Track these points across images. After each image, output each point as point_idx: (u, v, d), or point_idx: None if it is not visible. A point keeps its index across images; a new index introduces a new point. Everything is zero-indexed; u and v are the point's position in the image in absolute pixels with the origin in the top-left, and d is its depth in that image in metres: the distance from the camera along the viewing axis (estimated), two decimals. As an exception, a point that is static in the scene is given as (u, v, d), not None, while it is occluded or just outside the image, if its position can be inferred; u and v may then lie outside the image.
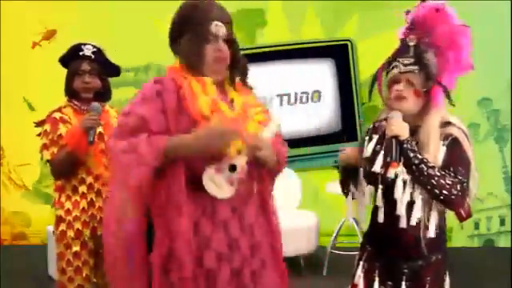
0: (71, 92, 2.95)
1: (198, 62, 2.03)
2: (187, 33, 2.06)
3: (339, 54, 5.77)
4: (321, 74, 5.83)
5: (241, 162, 1.96)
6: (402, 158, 2.09)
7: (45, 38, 5.92)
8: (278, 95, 5.82)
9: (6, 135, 5.85)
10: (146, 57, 5.66)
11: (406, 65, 2.13)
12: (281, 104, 5.82)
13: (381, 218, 2.17)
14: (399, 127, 2.10)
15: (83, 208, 2.86)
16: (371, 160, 2.17)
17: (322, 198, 5.34)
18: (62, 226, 2.86)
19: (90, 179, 2.87)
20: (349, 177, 2.32)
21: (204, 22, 2.03)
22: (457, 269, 4.63)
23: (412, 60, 2.14)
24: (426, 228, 2.19)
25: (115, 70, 3.12)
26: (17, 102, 5.87)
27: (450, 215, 5.11)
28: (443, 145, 2.13)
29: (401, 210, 2.12)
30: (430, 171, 2.07)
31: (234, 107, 2.05)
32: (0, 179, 6.01)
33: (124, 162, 1.91)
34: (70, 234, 2.85)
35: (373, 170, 2.14)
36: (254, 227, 2.06)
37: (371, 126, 2.33)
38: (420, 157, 2.08)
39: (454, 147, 2.14)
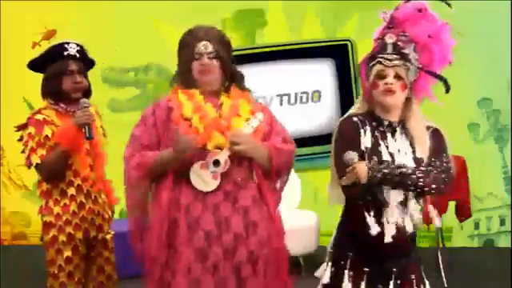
0: (58, 93, 2.89)
1: (187, 77, 2.35)
2: (181, 55, 2.40)
3: (339, 54, 5.77)
4: (321, 74, 5.83)
5: (223, 157, 2.18)
6: (383, 185, 2.15)
7: (45, 38, 5.91)
8: (277, 95, 5.82)
9: (6, 135, 5.83)
10: (146, 57, 5.66)
11: (391, 60, 2.19)
12: (281, 104, 5.82)
13: (375, 231, 2.18)
14: (356, 173, 2.11)
15: (74, 211, 2.82)
16: (374, 150, 2.20)
17: (322, 198, 5.33)
18: (53, 232, 2.85)
19: (77, 181, 2.83)
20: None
21: (191, 44, 2.34)
22: (457, 269, 4.66)
23: (395, 56, 2.20)
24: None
25: (92, 65, 3.08)
26: (17, 102, 5.86)
27: (450, 215, 5.12)
28: (427, 134, 2.24)
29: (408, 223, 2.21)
30: (413, 177, 2.13)
31: (221, 109, 2.30)
32: (0, 179, 6.01)
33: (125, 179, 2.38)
34: (62, 238, 2.81)
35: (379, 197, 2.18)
36: (250, 209, 2.22)
37: (355, 118, 2.27)
38: (396, 173, 2.12)
39: (437, 136, 2.26)
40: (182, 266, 2.14)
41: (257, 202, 2.25)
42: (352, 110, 2.33)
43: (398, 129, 2.24)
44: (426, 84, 2.27)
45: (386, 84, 2.18)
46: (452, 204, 4.50)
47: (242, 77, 2.43)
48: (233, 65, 2.41)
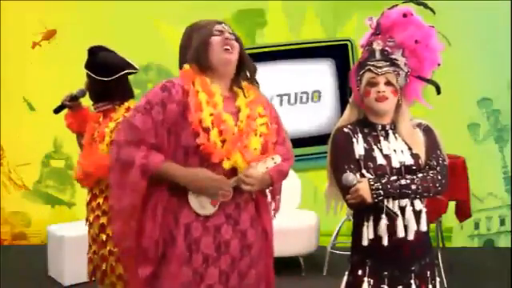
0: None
1: (205, 54, 2.10)
2: (194, 36, 2.15)
3: (339, 54, 5.77)
4: (321, 74, 5.84)
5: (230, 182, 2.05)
6: (391, 202, 2.17)
7: (45, 38, 5.92)
8: (278, 95, 5.82)
9: (6, 135, 5.84)
10: (146, 57, 5.66)
11: (381, 67, 2.22)
12: (281, 104, 5.82)
13: (386, 242, 2.18)
14: (364, 193, 2.12)
15: (104, 210, 2.86)
16: (368, 156, 2.22)
17: (322, 198, 5.32)
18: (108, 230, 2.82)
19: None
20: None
21: (209, 24, 2.16)
22: (457, 269, 4.66)
23: (384, 62, 2.23)
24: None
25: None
26: (17, 102, 5.86)
27: (450, 215, 5.11)
28: (420, 130, 2.28)
29: (412, 225, 2.20)
30: (413, 187, 2.16)
31: (238, 118, 2.11)
32: (0, 179, 6.01)
33: (121, 180, 2.06)
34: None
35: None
36: (247, 231, 2.14)
37: (345, 129, 2.29)
38: (396, 185, 2.14)
39: (430, 133, 2.28)
40: (178, 284, 2.04)
41: (254, 222, 2.18)
42: (342, 120, 2.36)
43: (390, 131, 2.27)
44: (416, 88, 2.29)
45: (379, 92, 2.22)
46: (452, 204, 4.50)
47: (255, 69, 2.26)
48: (247, 54, 2.23)
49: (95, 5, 5.76)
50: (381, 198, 2.13)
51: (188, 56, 2.14)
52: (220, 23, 2.17)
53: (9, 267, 5.01)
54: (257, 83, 2.25)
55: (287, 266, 4.61)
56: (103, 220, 2.85)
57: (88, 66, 2.95)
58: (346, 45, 5.74)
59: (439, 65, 2.31)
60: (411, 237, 2.18)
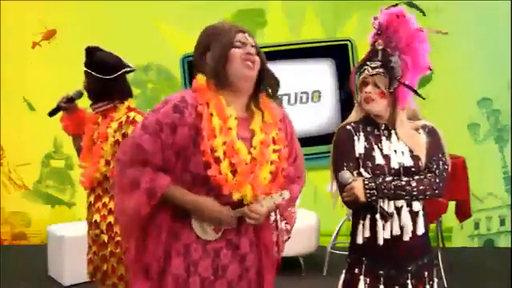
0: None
1: (224, 68, 1.97)
2: (214, 44, 2.00)
3: (339, 54, 5.77)
4: (321, 74, 5.83)
5: (234, 214, 2.00)
6: (385, 202, 2.17)
7: (45, 38, 5.92)
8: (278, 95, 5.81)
9: (6, 135, 5.84)
10: (146, 57, 5.67)
11: (373, 68, 2.25)
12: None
13: (387, 234, 2.19)
14: (354, 193, 2.14)
15: (110, 209, 2.83)
16: (368, 156, 2.23)
17: (322, 198, 5.34)
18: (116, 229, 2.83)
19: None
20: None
21: (230, 32, 2.01)
22: (457, 269, 4.66)
23: (379, 63, 2.24)
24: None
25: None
26: (17, 102, 5.86)
27: (450, 215, 5.11)
28: (423, 133, 2.27)
29: (408, 226, 2.20)
30: (408, 188, 2.17)
31: (252, 144, 2.01)
32: (0, 179, 6.01)
33: (124, 199, 2.00)
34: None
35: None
36: (247, 256, 2.09)
37: (348, 127, 2.32)
38: (392, 186, 2.16)
39: (433, 135, 2.28)
40: None
41: (253, 246, 2.11)
42: (349, 117, 2.39)
43: (392, 131, 2.28)
44: (406, 92, 2.27)
45: (366, 92, 2.26)
46: (452, 204, 4.50)
47: (276, 83, 2.13)
48: (269, 68, 2.10)
49: (95, 5, 5.76)
50: (374, 197, 2.14)
51: (205, 67, 2.01)
52: (243, 32, 2.04)
53: (9, 267, 5.01)
54: (278, 98, 2.15)
55: (287, 266, 4.60)
56: (110, 219, 2.83)
57: (87, 64, 2.93)
58: (346, 45, 5.74)
59: (430, 69, 2.29)
60: (407, 238, 2.18)
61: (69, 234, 4.57)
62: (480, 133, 5.68)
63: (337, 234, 4.82)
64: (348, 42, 5.72)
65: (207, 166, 1.92)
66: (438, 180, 2.21)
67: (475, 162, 5.00)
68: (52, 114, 3.07)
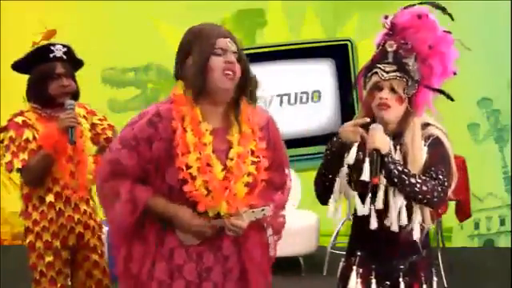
0: (44, 98, 2.75)
1: (203, 78, 1.94)
2: (194, 49, 1.97)
3: (339, 54, 5.77)
4: (321, 74, 5.83)
5: (215, 224, 2.02)
6: (384, 171, 2.07)
7: (45, 38, 5.90)
8: (278, 95, 5.82)
9: (6, 135, 5.85)
10: (146, 57, 5.66)
11: (388, 72, 2.10)
12: (281, 104, 5.81)
13: (374, 225, 2.15)
14: (381, 141, 2.08)
15: (51, 218, 2.73)
16: (357, 168, 2.14)
17: (322, 197, 5.33)
18: (30, 237, 2.74)
19: (56, 188, 2.72)
20: (335, 167, 2.21)
21: (211, 37, 1.97)
22: (457, 269, 4.66)
23: (394, 67, 2.10)
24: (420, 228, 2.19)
25: (80, 65, 2.96)
26: (17, 102, 5.85)
27: (450, 215, 5.12)
28: (425, 145, 2.14)
29: (392, 215, 2.12)
30: (412, 180, 2.06)
31: (228, 156, 2.01)
32: (0, 179, 6.01)
33: (108, 211, 2.06)
34: (39, 245, 2.73)
35: (362, 178, 2.09)
36: (229, 257, 2.08)
37: None
38: (400, 168, 2.07)
39: (435, 147, 2.15)
40: None
41: (236, 247, 2.09)
42: (354, 118, 2.27)
43: (391, 142, 2.15)
44: (427, 97, 2.16)
45: (381, 98, 2.11)
46: (452, 204, 4.50)
47: (256, 85, 2.07)
48: (253, 74, 2.06)
49: (95, 5, 5.76)
50: (387, 159, 2.05)
51: (185, 73, 1.99)
52: (226, 37, 1.98)
53: (9, 267, 5.01)
54: (254, 101, 2.08)
55: (287, 266, 4.60)
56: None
57: (76, 61, 2.91)
58: (346, 45, 5.74)
59: (455, 74, 2.19)
60: (395, 227, 2.13)
61: (69, 234, 4.56)
62: (480, 133, 5.68)
63: (337, 234, 4.82)
64: (348, 42, 5.72)
65: (184, 182, 1.95)
66: (440, 189, 2.09)
67: (475, 162, 5.00)
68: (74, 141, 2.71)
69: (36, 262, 2.75)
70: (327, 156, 2.26)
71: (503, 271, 4.73)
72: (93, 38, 5.65)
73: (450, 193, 2.18)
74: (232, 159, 2.01)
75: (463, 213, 4.57)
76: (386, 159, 2.06)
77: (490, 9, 5.52)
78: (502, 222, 5.71)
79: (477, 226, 5.70)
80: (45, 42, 2.89)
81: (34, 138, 2.71)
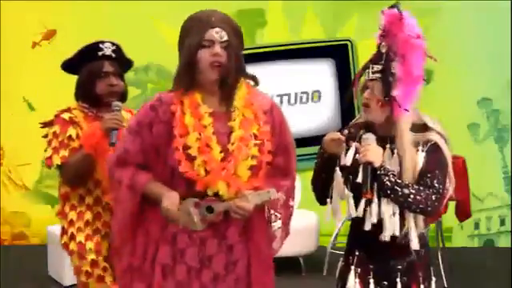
0: (92, 97, 2.66)
1: (191, 71, 1.99)
2: (185, 40, 2.03)
3: (339, 54, 5.77)
4: (321, 74, 5.83)
5: (219, 208, 2.01)
6: (376, 183, 2.08)
7: (45, 38, 5.92)
8: (278, 95, 5.82)
9: (6, 135, 5.85)
10: (146, 57, 5.66)
11: (373, 72, 2.13)
12: (281, 104, 5.81)
13: (368, 226, 2.15)
14: (373, 153, 2.08)
15: (87, 220, 2.64)
16: (353, 170, 2.13)
17: (322, 197, 5.33)
18: (65, 238, 2.68)
19: (97, 191, 2.64)
20: (329, 172, 2.20)
21: (200, 29, 2.01)
22: (457, 269, 4.66)
23: (380, 67, 2.12)
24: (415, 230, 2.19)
25: (129, 66, 2.89)
26: (17, 102, 5.86)
27: (450, 215, 5.12)
28: (423, 151, 2.13)
29: (385, 227, 2.13)
30: (405, 191, 2.07)
31: (229, 140, 2.02)
32: (0, 179, 6.01)
33: (114, 201, 2.17)
34: (73, 247, 2.64)
35: (357, 181, 2.10)
36: (234, 247, 2.07)
37: (346, 131, 2.27)
38: (393, 180, 2.07)
39: (433, 153, 2.14)
40: None
41: (243, 237, 2.08)
42: (355, 119, 2.30)
43: (387, 145, 2.15)
44: (404, 100, 2.11)
45: (364, 98, 2.16)
46: (452, 204, 4.50)
47: (243, 69, 2.09)
48: (243, 63, 2.09)
49: (95, 5, 5.76)
50: (379, 172, 2.06)
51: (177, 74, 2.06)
52: (215, 27, 2.00)
53: (9, 267, 5.01)
54: (256, 83, 2.15)
55: (287, 266, 4.60)
56: None
57: (125, 61, 2.82)
58: (346, 45, 5.74)
59: (424, 80, 2.16)
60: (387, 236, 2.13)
61: (69, 234, 4.56)
62: (480, 133, 5.68)
63: (337, 234, 4.82)
64: (348, 42, 5.72)
65: (179, 163, 1.98)
66: (434, 198, 2.09)
67: (475, 162, 5.00)
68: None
69: (79, 263, 2.63)
70: (318, 163, 2.28)
71: (503, 271, 4.74)
72: (93, 38, 5.64)
73: (447, 198, 2.19)
74: (233, 143, 2.02)
75: (463, 213, 4.57)
76: (378, 172, 2.08)
77: (490, 9, 5.52)
78: (502, 222, 5.71)
79: (477, 226, 5.70)
80: (90, 44, 2.80)
81: (78, 136, 2.62)
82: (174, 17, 5.63)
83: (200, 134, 1.99)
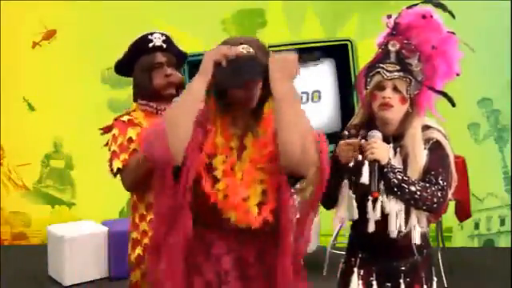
0: (150, 91, 2.50)
1: (224, 92, 1.95)
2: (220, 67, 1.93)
3: (339, 54, 5.76)
4: (321, 74, 5.83)
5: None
6: (383, 181, 2.08)
7: (45, 38, 5.91)
8: (278, 95, 5.81)
9: (6, 135, 5.84)
10: (146, 57, 5.66)
11: (391, 71, 2.09)
12: (281, 104, 5.81)
13: (371, 228, 2.15)
14: (380, 151, 2.07)
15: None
16: (355, 171, 2.13)
17: (322, 197, 5.33)
18: (138, 250, 2.42)
19: None
20: (337, 178, 2.16)
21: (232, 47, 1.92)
22: (457, 269, 4.66)
23: (397, 66, 2.10)
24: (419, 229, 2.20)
25: (183, 59, 2.69)
26: (17, 102, 5.86)
27: (450, 215, 5.12)
28: (425, 148, 2.14)
29: (391, 223, 2.14)
30: (412, 188, 2.06)
31: (241, 159, 1.96)
32: (0, 179, 6.01)
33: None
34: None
35: (361, 181, 2.09)
36: (249, 265, 1.98)
37: (346, 132, 2.27)
38: (400, 177, 2.07)
39: (435, 150, 2.15)
40: None
41: (261, 255, 1.98)
42: (352, 119, 2.29)
43: (391, 144, 2.15)
44: (429, 98, 2.16)
45: (384, 98, 2.11)
46: (452, 204, 4.50)
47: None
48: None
49: (95, 5, 5.76)
50: (386, 169, 2.05)
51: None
52: (241, 44, 1.92)
53: (9, 267, 5.01)
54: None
55: (287, 266, 4.60)
56: None
57: (178, 52, 2.62)
58: (346, 45, 5.73)
59: (458, 75, 2.18)
60: (393, 233, 2.14)
61: (69, 234, 4.56)
62: (480, 133, 5.67)
63: (337, 234, 4.82)
64: (348, 42, 5.72)
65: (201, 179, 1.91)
66: (440, 194, 2.09)
67: (475, 162, 5.00)
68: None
69: (140, 280, 2.39)
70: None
71: (503, 271, 4.74)
72: (93, 38, 5.65)
73: (449, 195, 2.19)
74: (244, 161, 1.96)
75: (463, 213, 4.57)
76: (385, 169, 2.07)
77: (490, 9, 5.52)
78: (502, 222, 5.71)
79: (477, 226, 5.70)
80: (139, 38, 2.67)
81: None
82: (174, 17, 5.67)
83: (226, 157, 1.93)
